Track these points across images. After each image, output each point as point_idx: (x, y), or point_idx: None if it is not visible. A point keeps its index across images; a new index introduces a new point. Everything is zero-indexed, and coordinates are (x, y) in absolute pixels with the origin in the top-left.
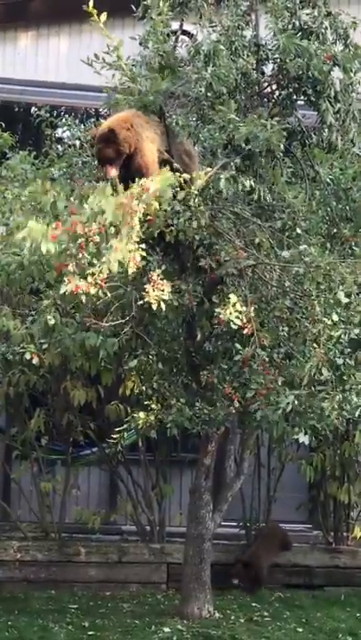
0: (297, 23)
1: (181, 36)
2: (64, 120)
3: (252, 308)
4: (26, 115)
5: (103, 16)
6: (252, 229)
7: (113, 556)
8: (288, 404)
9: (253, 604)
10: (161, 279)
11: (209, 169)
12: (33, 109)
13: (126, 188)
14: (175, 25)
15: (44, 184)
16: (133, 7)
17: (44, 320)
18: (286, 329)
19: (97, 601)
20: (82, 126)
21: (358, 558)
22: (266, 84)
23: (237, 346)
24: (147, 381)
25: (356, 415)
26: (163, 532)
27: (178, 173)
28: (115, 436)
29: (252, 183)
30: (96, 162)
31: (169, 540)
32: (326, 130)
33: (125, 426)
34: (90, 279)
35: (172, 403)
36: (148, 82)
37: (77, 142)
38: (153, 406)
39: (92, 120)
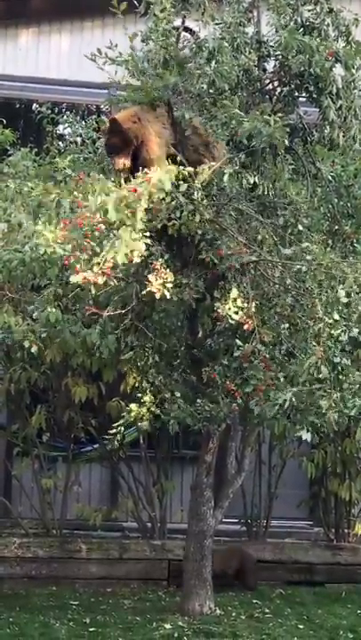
0: (299, 20)
1: (183, 33)
2: (65, 117)
3: (254, 305)
4: (27, 111)
5: (123, 5)
6: (255, 226)
7: (114, 552)
8: (285, 400)
9: (254, 601)
10: (164, 268)
11: (213, 163)
12: (34, 106)
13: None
14: (177, 21)
15: (47, 186)
16: (136, 3)
17: (45, 315)
18: (287, 326)
19: (98, 597)
20: (83, 123)
21: (359, 555)
22: (268, 81)
23: (238, 342)
24: (142, 374)
25: (352, 414)
26: (164, 528)
27: (182, 167)
28: (112, 432)
29: (256, 179)
30: (107, 154)
31: (170, 536)
32: (328, 127)
33: (122, 421)
34: (96, 269)
35: (167, 396)
36: (153, 77)
37: (79, 139)
38: (146, 399)
39: (94, 117)
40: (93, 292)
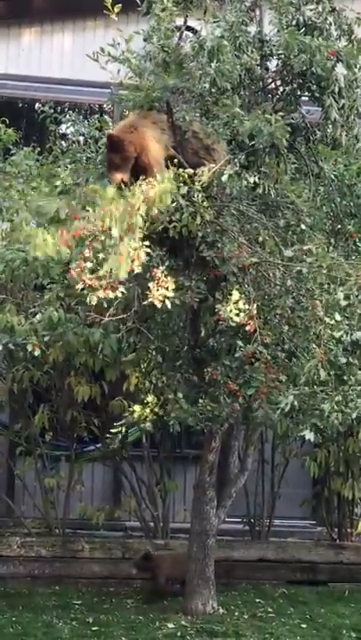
0: (301, 19)
1: (185, 32)
2: (68, 116)
3: (255, 306)
4: (30, 111)
5: (117, 7)
6: (256, 227)
7: (117, 552)
8: (287, 404)
9: (257, 600)
10: (165, 276)
11: (213, 165)
12: (37, 105)
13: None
14: (179, 21)
15: (49, 190)
16: (138, 2)
17: (47, 315)
18: (288, 327)
19: (101, 597)
20: (86, 122)
21: None
22: (270, 80)
23: (240, 343)
24: (145, 375)
25: (355, 416)
26: (166, 527)
27: (182, 169)
28: (113, 431)
29: (256, 179)
30: (105, 167)
31: (173, 535)
32: (330, 126)
33: (123, 420)
34: (104, 283)
35: (170, 397)
36: (154, 77)
37: (81, 138)
38: (149, 399)
39: (96, 116)
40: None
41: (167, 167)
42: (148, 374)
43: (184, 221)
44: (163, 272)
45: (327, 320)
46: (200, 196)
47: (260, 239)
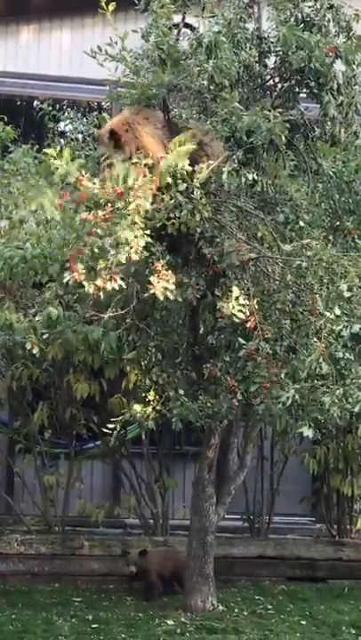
0: (299, 15)
1: (183, 29)
2: (66, 113)
3: (255, 302)
4: (28, 108)
5: (112, 6)
6: (255, 223)
7: (116, 549)
8: (288, 398)
9: (257, 597)
10: (166, 269)
11: (211, 162)
12: (35, 103)
13: None
14: (177, 18)
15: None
16: (136, 0)
17: (46, 313)
18: (288, 322)
19: (100, 594)
20: (84, 120)
21: None
22: (268, 77)
23: (240, 340)
24: (145, 373)
25: (357, 410)
26: (166, 525)
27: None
28: (111, 427)
29: (255, 176)
30: (100, 162)
31: (172, 532)
32: (329, 122)
33: (120, 418)
34: (103, 274)
35: (171, 395)
36: (151, 75)
37: (80, 136)
38: (150, 397)
39: (95, 113)
40: (102, 295)
41: None
42: (149, 372)
43: (183, 218)
44: (163, 266)
45: (327, 314)
46: (199, 192)
47: (259, 235)
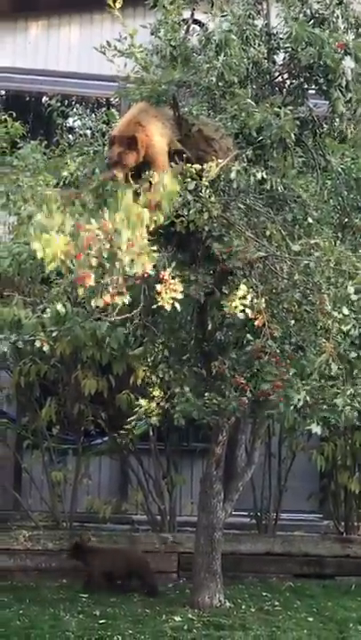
0: (308, 12)
1: (193, 26)
2: (75, 109)
3: (263, 300)
4: (37, 104)
5: (118, 3)
6: (263, 220)
7: (124, 545)
8: (300, 399)
9: (264, 594)
10: (173, 278)
11: (220, 161)
12: (44, 99)
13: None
14: (186, 14)
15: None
16: None
17: (54, 309)
18: (295, 321)
19: (108, 590)
20: (93, 115)
21: None
22: (277, 74)
23: (248, 336)
24: (152, 369)
25: None
26: (173, 521)
27: (189, 164)
28: (127, 427)
29: (264, 174)
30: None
31: (180, 529)
32: (338, 119)
33: (136, 416)
34: (111, 289)
35: (177, 391)
36: (161, 71)
37: (88, 132)
38: (156, 394)
39: (103, 109)
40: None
41: (172, 162)
42: (155, 368)
43: (191, 217)
44: (170, 274)
45: (335, 314)
46: (208, 191)
47: (268, 233)
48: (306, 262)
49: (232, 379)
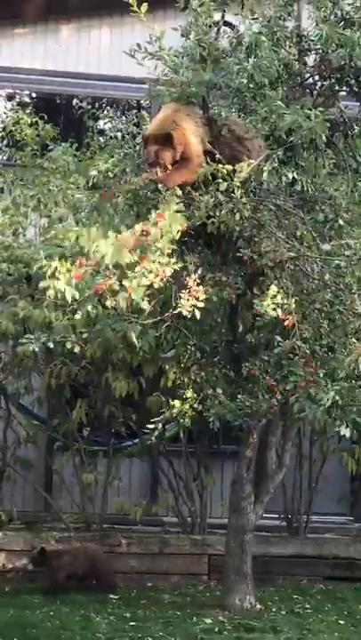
0: (339, 13)
1: (223, 27)
2: (105, 112)
3: (293, 301)
4: (68, 106)
5: (144, 7)
6: (294, 221)
7: (154, 547)
8: (328, 399)
9: (295, 596)
10: (197, 284)
11: (251, 161)
12: (75, 101)
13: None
14: (217, 16)
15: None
16: None
17: (85, 311)
18: (326, 322)
19: (138, 592)
20: (123, 118)
21: None
22: (308, 75)
23: (278, 338)
24: (184, 371)
25: None
26: (204, 523)
27: (220, 165)
28: (151, 426)
29: (295, 175)
30: (147, 162)
31: (210, 531)
32: None
33: (162, 416)
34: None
35: (209, 393)
36: (191, 73)
37: (119, 134)
38: (188, 395)
39: (134, 111)
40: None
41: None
42: (187, 370)
43: (223, 217)
44: (195, 280)
45: None
46: (239, 191)
47: (298, 234)
48: (337, 263)
49: (263, 380)
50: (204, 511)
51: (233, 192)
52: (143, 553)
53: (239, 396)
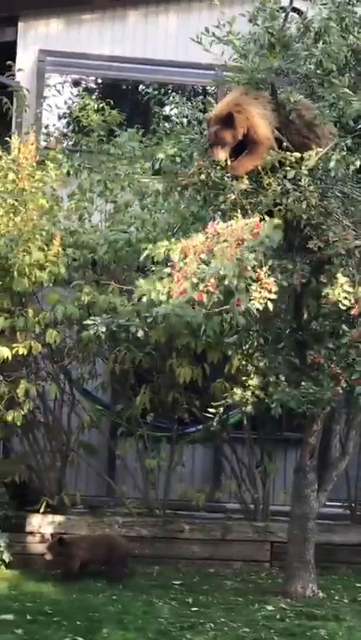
0: None
1: (291, 13)
2: (172, 98)
3: (360, 289)
4: (134, 92)
5: None
6: None
7: (217, 533)
8: None
9: (358, 585)
10: (268, 276)
11: (320, 150)
12: (141, 87)
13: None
14: (285, 1)
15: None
16: None
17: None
18: None
19: (200, 578)
20: (189, 104)
21: None
22: None
23: (344, 327)
24: (247, 358)
25: None
26: (267, 510)
27: (288, 152)
28: (212, 411)
29: None
30: (208, 143)
31: (273, 518)
32: None
33: (222, 402)
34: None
35: (272, 380)
36: (258, 58)
37: (185, 120)
38: (250, 382)
39: (200, 97)
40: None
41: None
42: (251, 356)
43: (290, 205)
44: (266, 273)
45: None
46: (307, 179)
47: None
48: None
49: (327, 368)
50: (266, 498)
51: (300, 180)
52: (206, 539)
53: (303, 384)
